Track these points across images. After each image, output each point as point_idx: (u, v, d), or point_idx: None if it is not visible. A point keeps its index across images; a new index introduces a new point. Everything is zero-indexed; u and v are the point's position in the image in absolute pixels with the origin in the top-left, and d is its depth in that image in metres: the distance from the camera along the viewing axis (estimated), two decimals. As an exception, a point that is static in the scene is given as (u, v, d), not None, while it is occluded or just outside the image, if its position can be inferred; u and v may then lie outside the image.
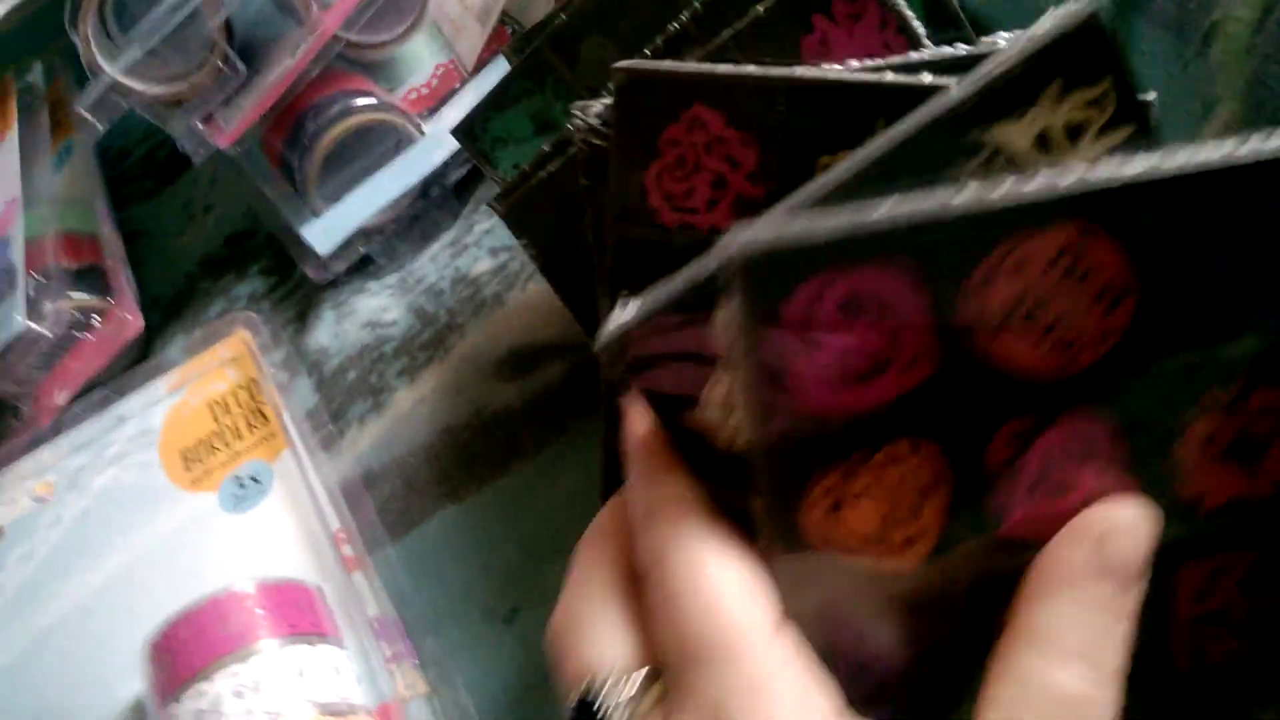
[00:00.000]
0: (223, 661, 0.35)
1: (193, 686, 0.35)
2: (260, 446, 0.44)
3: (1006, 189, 0.25)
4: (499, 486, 0.44)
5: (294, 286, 0.52)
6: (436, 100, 0.51)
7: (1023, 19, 0.35)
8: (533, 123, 0.43)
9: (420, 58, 0.52)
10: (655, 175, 0.35)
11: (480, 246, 0.49)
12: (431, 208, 0.50)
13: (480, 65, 0.51)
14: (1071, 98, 0.28)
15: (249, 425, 0.45)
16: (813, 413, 0.26)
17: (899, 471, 0.27)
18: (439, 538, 0.44)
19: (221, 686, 0.35)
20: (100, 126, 0.49)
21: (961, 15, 0.38)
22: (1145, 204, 0.26)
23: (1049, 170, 0.26)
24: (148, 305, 0.55)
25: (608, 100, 0.35)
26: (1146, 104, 0.28)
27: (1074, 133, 0.28)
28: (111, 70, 0.48)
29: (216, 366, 0.47)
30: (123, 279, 0.53)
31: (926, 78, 0.31)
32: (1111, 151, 0.28)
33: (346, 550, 0.43)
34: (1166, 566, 0.27)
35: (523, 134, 0.43)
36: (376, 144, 0.49)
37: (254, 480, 0.43)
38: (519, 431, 0.45)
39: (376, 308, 0.50)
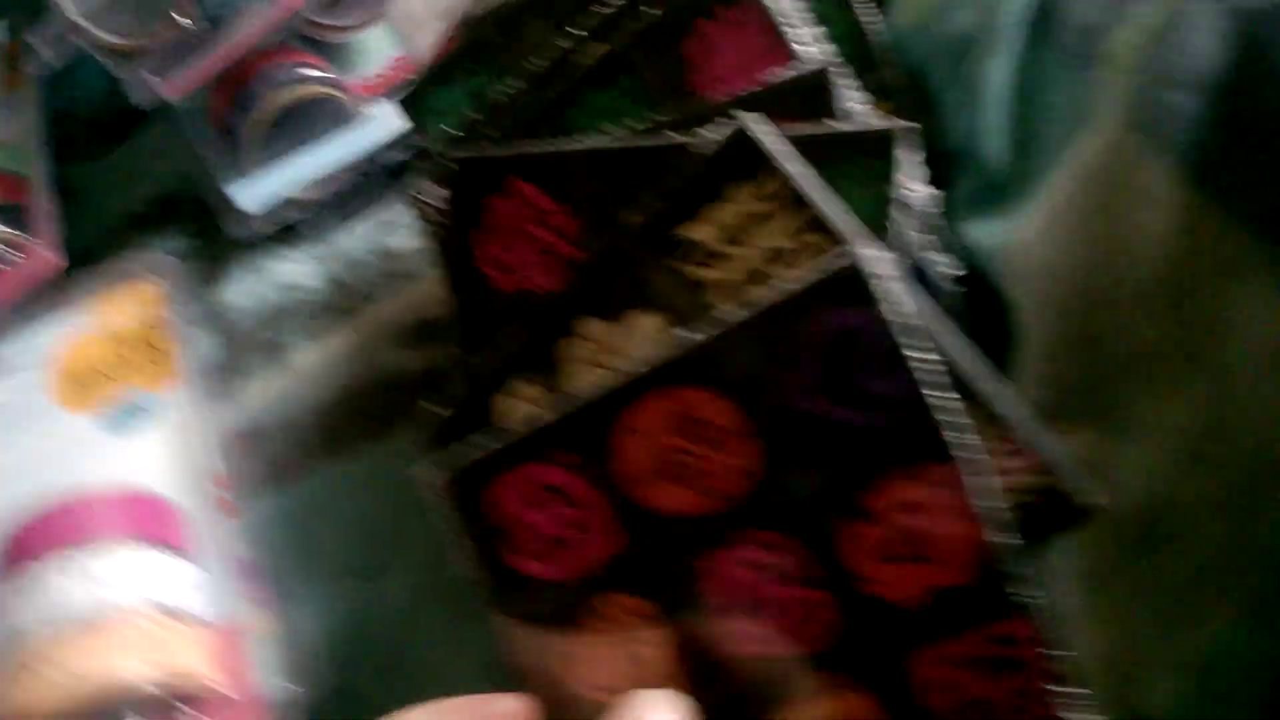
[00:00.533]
0: (67, 551, 0.35)
1: (32, 569, 0.34)
2: (151, 379, 0.44)
3: (605, 379, 0.30)
4: (381, 448, 0.44)
5: (214, 246, 0.53)
6: (387, 89, 0.53)
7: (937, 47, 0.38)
8: (471, 100, 0.44)
9: (378, 48, 0.54)
10: (486, 248, 0.38)
11: (408, 229, 0.50)
12: (365, 187, 0.51)
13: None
14: (743, 192, 0.32)
15: (143, 358, 0.45)
16: (536, 581, 0.31)
17: (615, 625, 0.31)
18: (317, 493, 0.44)
19: (56, 571, 0.34)
20: (50, 62, 0.50)
21: (877, 55, 0.41)
22: (719, 359, 0.29)
23: (633, 358, 0.30)
24: (70, 258, 0.55)
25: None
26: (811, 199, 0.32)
27: (761, 219, 0.32)
28: (72, 11, 0.49)
29: (119, 300, 0.46)
30: (46, 221, 0.53)
31: (673, 136, 0.35)
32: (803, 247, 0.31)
33: (223, 494, 0.42)
34: (894, 662, 0.30)
35: (460, 109, 0.45)
36: (319, 117, 0.51)
37: (139, 409, 0.43)
38: (412, 396, 0.45)
39: (293, 272, 0.50)
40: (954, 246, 0.38)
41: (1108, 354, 0.34)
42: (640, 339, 0.33)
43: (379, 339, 0.47)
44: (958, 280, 0.38)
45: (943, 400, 0.29)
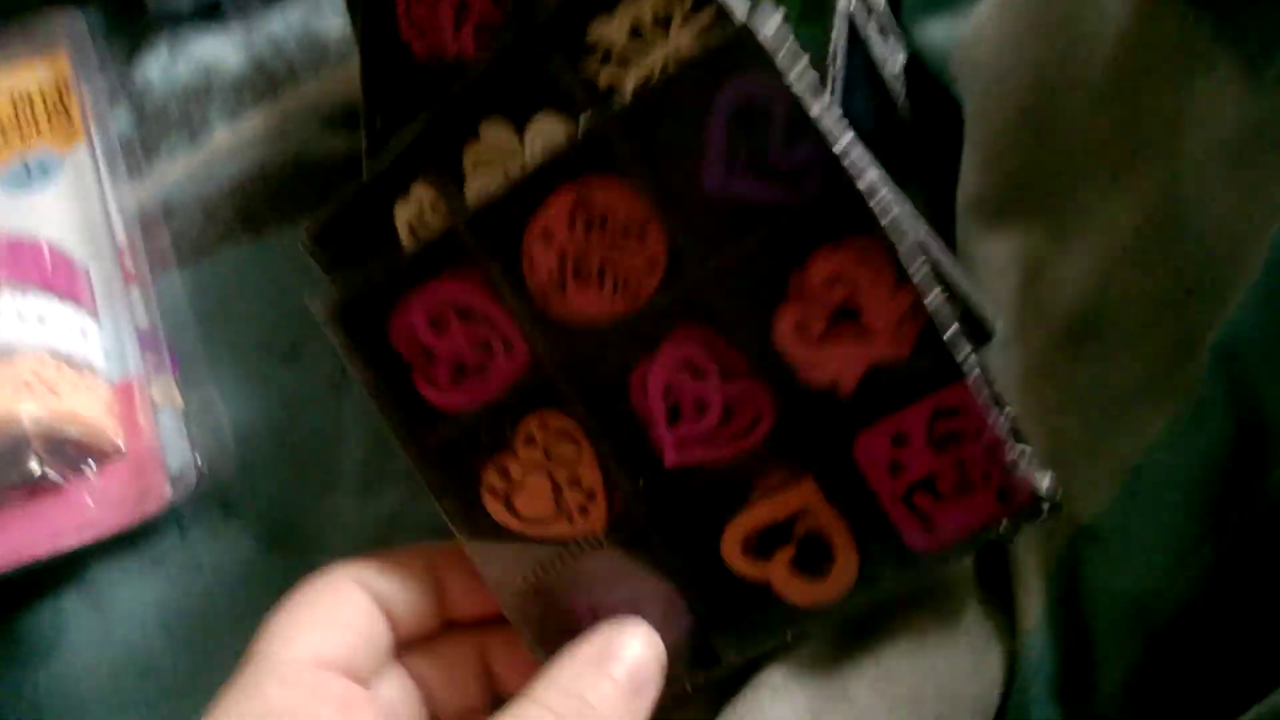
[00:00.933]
0: (-37, 292, 0.33)
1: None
2: (57, 139, 0.42)
3: (498, 183, 0.29)
4: (299, 230, 0.43)
5: (133, 22, 0.50)
6: None
7: None
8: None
9: None
10: (404, 6, 0.35)
11: (337, 12, 0.48)
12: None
13: None
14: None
15: (49, 119, 0.43)
16: (449, 414, 0.30)
17: (540, 449, 0.30)
18: (230, 270, 0.43)
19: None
20: None
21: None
22: (619, 142, 0.28)
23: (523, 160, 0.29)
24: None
25: None
26: None
27: (663, 22, 0.30)
28: None
29: (26, 57, 0.44)
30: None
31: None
32: (702, 33, 0.29)
33: (128, 263, 0.41)
34: (839, 448, 0.29)
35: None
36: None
37: (41, 168, 0.41)
38: (336, 181, 0.43)
39: (213, 50, 0.48)
40: (904, 43, 0.38)
41: (1056, 146, 0.33)
42: (546, 143, 0.32)
43: (301, 121, 0.45)
44: (906, 75, 0.37)
45: (860, 167, 0.27)
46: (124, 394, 0.36)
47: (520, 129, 0.32)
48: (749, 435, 0.29)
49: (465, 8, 0.35)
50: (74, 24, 0.45)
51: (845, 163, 0.27)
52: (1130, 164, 0.33)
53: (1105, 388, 0.32)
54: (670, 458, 0.29)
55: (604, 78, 0.31)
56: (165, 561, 0.38)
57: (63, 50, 0.45)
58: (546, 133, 0.32)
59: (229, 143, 0.45)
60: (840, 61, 0.32)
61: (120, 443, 0.34)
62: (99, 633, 0.37)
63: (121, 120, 0.46)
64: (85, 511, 0.33)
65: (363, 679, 0.29)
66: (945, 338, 0.28)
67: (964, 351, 0.28)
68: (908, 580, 0.29)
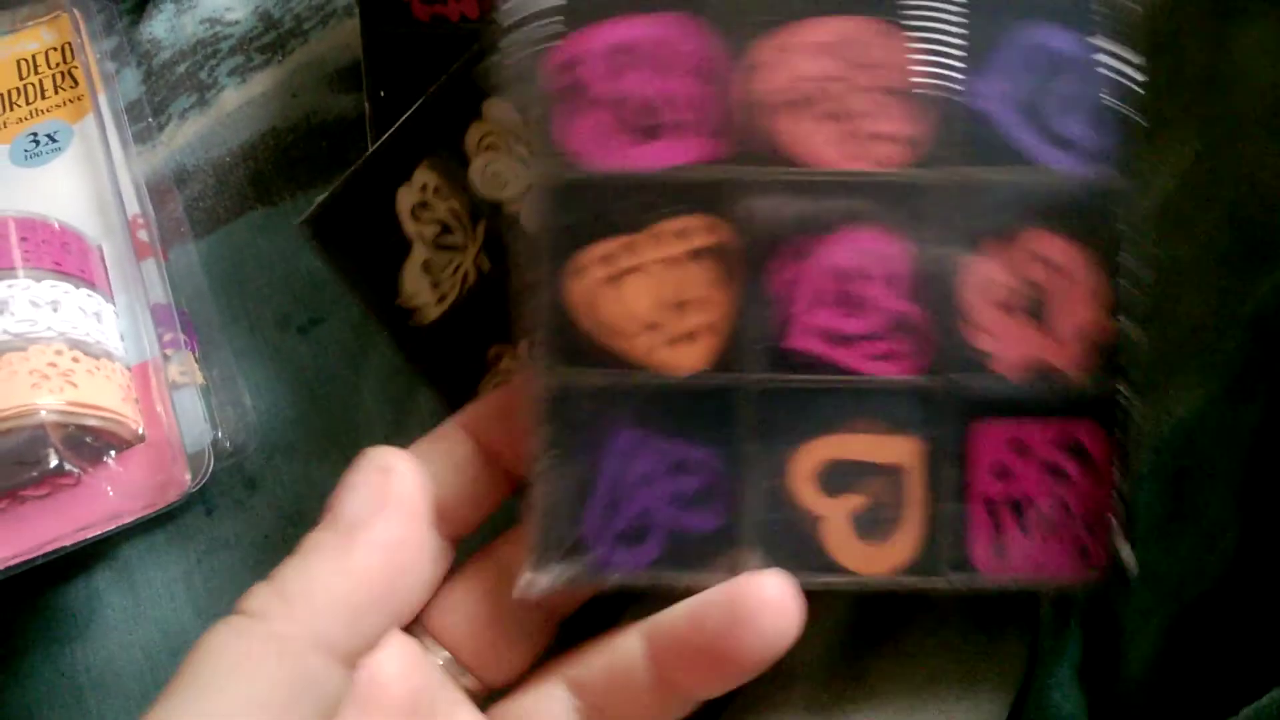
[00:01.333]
0: (-29, 279, 0.33)
1: (-69, 296, 0.32)
2: (64, 108, 0.41)
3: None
4: (316, 194, 0.41)
5: (138, -24, 0.49)
6: None
7: None
8: None
9: None
10: None
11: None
12: (297, -86, 0.47)
13: None
14: None
15: (55, 86, 0.42)
16: (591, 169, 0.26)
17: (683, 251, 0.26)
18: (244, 239, 0.42)
19: (-35, 302, 0.32)
20: None
21: None
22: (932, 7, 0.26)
23: None
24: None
25: None
26: None
27: None
28: None
29: (31, 25, 0.43)
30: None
31: None
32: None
33: (141, 236, 0.40)
34: (963, 422, 0.27)
35: None
36: None
37: (50, 138, 0.40)
38: (347, 144, 0.42)
39: (220, 5, 0.46)
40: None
41: None
42: None
43: (310, 81, 0.43)
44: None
45: (1121, 185, 0.26)
46: (142, 377, 0.35)
47: (526, 107, 0.30)
48: (887, 363, 0.27)
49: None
50: (75, -16, 0.44)
51: (1124, 162, 0.26)
52: (1167, 124, 0.31)
53: (1144, 360, 0.31)
54: (795, 340, 0.27)
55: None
56: (193, 538, 0.38)
57: (66, 12, 0.44)
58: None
59: (238, 104, 0.44)
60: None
61: (140, 429, 0.34)
62: (131, 610, 0.37)
63: (129, 81, 0.45)
64: (106, 501, 0.33)
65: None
66: (1117, 381, 0.27)
67: (1126, 401, 0.27)
68: (952, 587, 0.27)
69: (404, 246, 0.31)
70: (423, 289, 0.31)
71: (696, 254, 0.26)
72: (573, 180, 0.26)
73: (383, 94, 0.35)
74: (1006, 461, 0.27)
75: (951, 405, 0.27)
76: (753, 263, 0.26)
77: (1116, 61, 0.27)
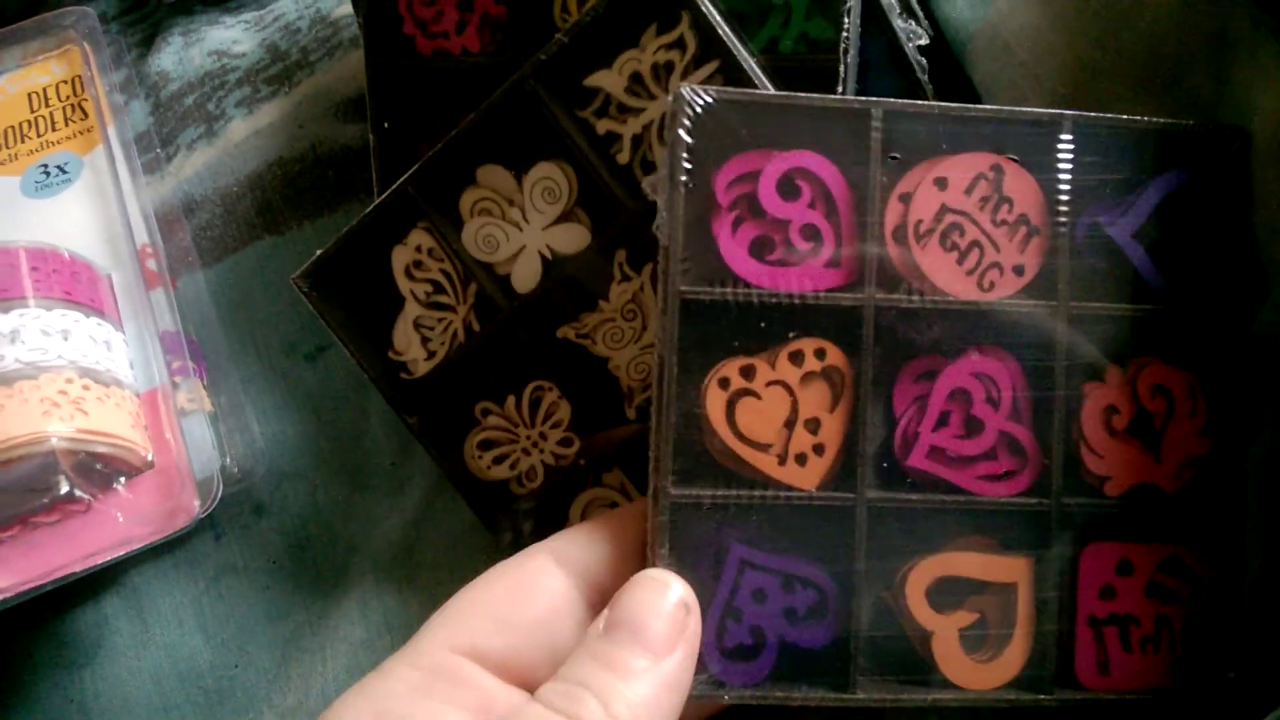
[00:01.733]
0: (-15, 310, 0.33)
1: (-57, 325, 0.33)
2: (74, 140, 0.42)
3: (935, 106, 0.28)
4: (323, 224, 0.42)
5: (147, 11, 0.49)
6: None
7: None
8: None
9: None
10: (406, 1, 0.35)
11: (347, -6, 0.47)
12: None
13: None
14: (654, 41, 0.30)
15: (66, 118, 0.42)
16: (739, 280, 0.27)
17: (800, 374, 0.28)
18: (252, 268, 0.42)
19: (-22, 331, 0.33)
20: None
21: None
22: (1056, 142, 0.28)
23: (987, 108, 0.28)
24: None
25: None
26: (728, 41, 0.30)
27: (662, 72, 0.30)
28: None
29: (41, 59, 0.44)
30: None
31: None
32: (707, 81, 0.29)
33: (150, 265, 0.41)
34: (1073, 544, 0.28)
35: None
36: None
37: (61, 169, 0.41)
38: (353, 174, 0.43)
39: (227, 38, 0.47)
40: (926, 19, 0.36)
41: None
42: (544, 191, 0.31)
43: (316, 111, 0.44)
44: (924, 51, 0.36)
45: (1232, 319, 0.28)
46: (151, 404, 0.36)
47: (519, 175, 0.31)
48: (999, 483, 0.28)
49: (468, 4, 0.34)
50: (86, 19, 0.45)
51: (1228, 311, 0.28)
52: None
53: None
54: (915, 459, 0.28)
55: (602, 126, 0.30)
56: (201, 564, 0.38)
57: (75, 46, 0.44)
58: (546, 181, 0.31)
59: (246, 135, 0.45)
60: (853, 54, 0.31)
61: (149, 456, 0.34)
62: (139, 636, 0.38)
63: (137, 113, 0.46)
64: (116, 527, 0.33)
65: (534, 678, 0.26)
66: (1216, 502, 0.28)
67: (1226, 521, 0.28)
68: (1057, 704, 0.28)
69: (397, 303, 0.33)
70: (413, 344, 0.32)
71: (812, 376, 0.28)
72: (719, 297, 0.27)
73: (387, 125, 0.36)
74: (1112, 582, 0.28)
75: (1063, 527, 0.28)
76: (877, 384, 0.28)
77: (1234, 203, 0.29)
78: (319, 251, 0.32)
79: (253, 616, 0.38)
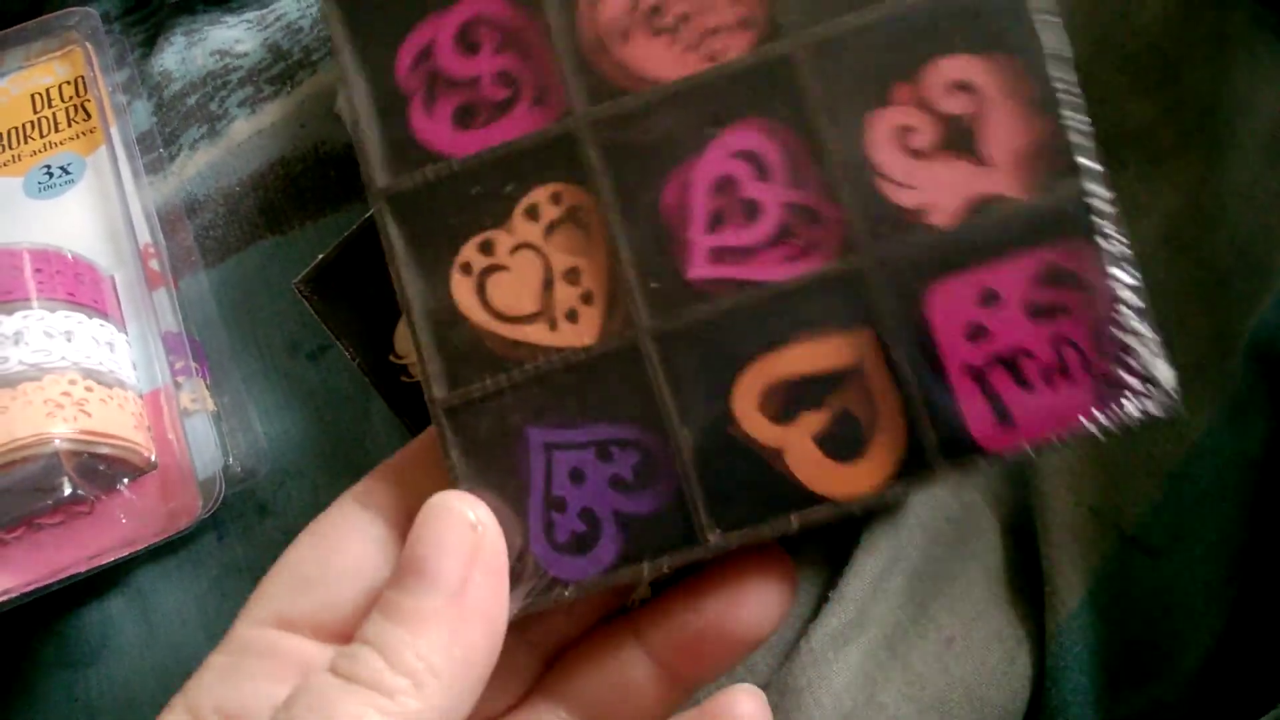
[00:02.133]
0: (-12, 311, 0.33)
1: (-54, 327, 0.33)
2: (78, 140, 0.42)
3: None
4: (326, 224, 0.42)
5: (149, 12, 0.49)
6: None
7: None
8: None
9: None
10: None
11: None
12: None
13: None
14: None
15: (69, 119, 0.43)
16: (442, 155, 0.25)
17: (542, 226, 0.25)
18: (254, 268, 0.43)
19: (-19, 333, 0.33)
20: None
21: None
22: None
23: None
24: (-6, 20, 0.51)
25: None
26: None
27: None
28: None
29: (44, 60, 0.44)
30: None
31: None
32: None
33: (153, 265, 0.41)
34: (910, 294, 0.24)
35: None
36: None
37: (64, 170, 0.41)
38: (355, 173, 0.43)
39: (229, 38, 0.47)
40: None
41: (1094, 131, 0.32)
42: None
43: (318, 111, 0.44)
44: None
45: None
46: (154, 404, 0.36)
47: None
48: (802, 260, 0.24)
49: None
50: (88, 20, 0.45)
51: None
52: (1171, 149, 0.32)
53: None
54: (697, 267, 0.24)
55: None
56: (205, 564, 0.39)
57: (78, 46, 0.44)
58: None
59: (248, 134, 0.45)
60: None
61: (152, 457, 0.35)
62: (144, 635, 0.38)
63: (140, 113, 0.46)
64: (119, 528, 0.33)
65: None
66: (1085, 183, 0.23)
67: (1102, 201, 0.23)
68: (959, 479, 0.24)
69: (396, 306, 0.32)
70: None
71: (556, 225, 0.25)
72: (432, 180, 0.25)
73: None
74: (979, 319, 0.23)
75: (889, 280, 0.23)
76: (634, 206, 0.24)
77: None
78: (319, 256, 0.32)
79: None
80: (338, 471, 0.40)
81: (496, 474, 0.24)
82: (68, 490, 0.32)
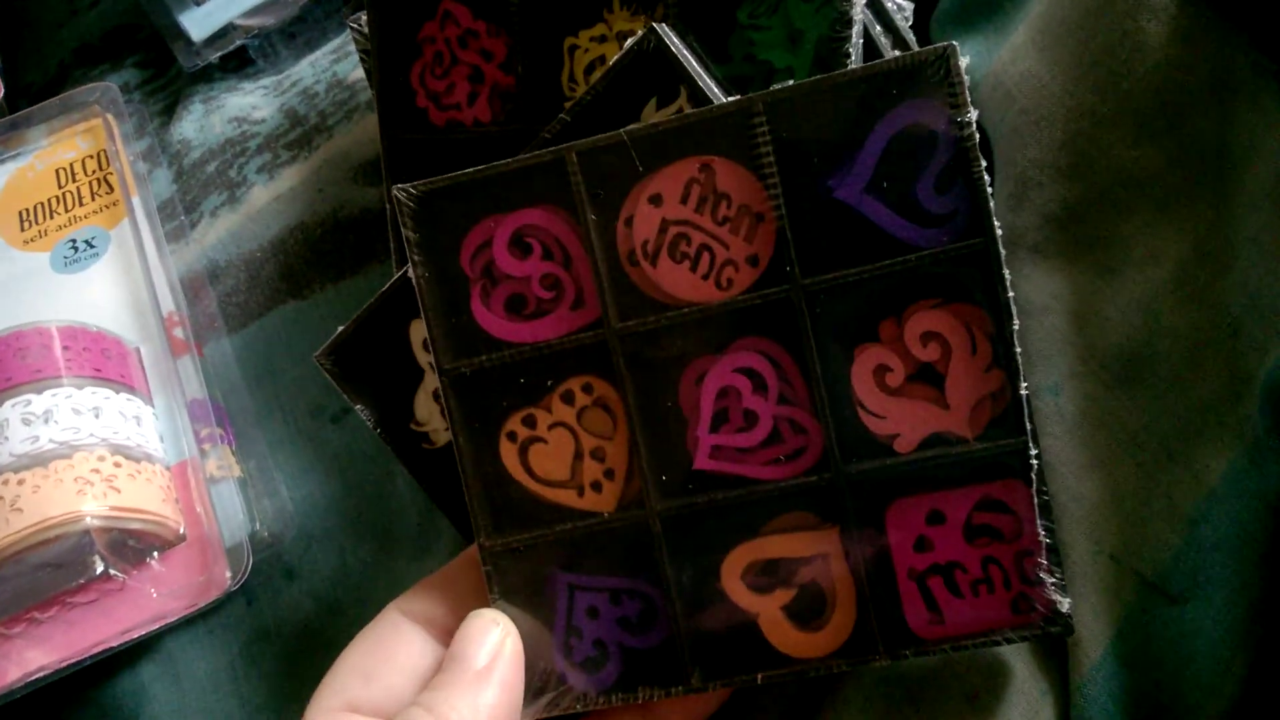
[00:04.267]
0: (16, 389, 0.34)
1: (-21, 408, 0.33)
2: (101, 214, 0.43)
3: (623, 134, 0.28)
4: (345, 287, 0.43)
5: (168, 81, 0.50)
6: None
7: None
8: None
9: None
10: (418, 74, 0.36)
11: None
12: (319, 14, 0.49)
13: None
14: (654, 115, 0.31)
15: (92, 193, 0.43)
16: (495, 344, 0.29)
17: (575, 411, 0.29)
18: (276, 332, 0.43)
19: (10, 412, 0.33)
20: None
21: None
22: (750, 122, 0.28)
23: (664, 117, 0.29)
24: (17, 92, 0.53)
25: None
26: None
27: None
28: None
29: (68, 135, 0.45)
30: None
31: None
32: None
33: (177, 333, 0.42)
34: (873, 507, 0.29)
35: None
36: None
37: (89, 244, 0.42)
38: (373, 236, 0.44)
39: (247, 105, 0.48)
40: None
41: (1099, 179, 0.32)
42: None
43: (336, 175, 0.45)
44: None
45: (997, 235, 0.27)
46: (181, 476, 0.37)
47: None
48: (787, 464, 0.29)
49: (479, 76, 0.35)
50: (109, 93, 0.46)
51: (991, 225, 0.27)
52: (1178, 196, 0.32)
53: (1158, 431, 0.31)
54: (701, 460, 0.29)
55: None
56: (235, 629, 0.39)
57: (99, 120, 0.45)
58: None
59: (267, 200, 0.45)
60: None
61: (181, 529, 0.35)
62: (176, 702, 0.38)
63: (160, 181, 0.47)
64: (150, 603, 0.34)
65: None
66: (1018, 435, 0.28)
67: (1032, 452, 0.28)
68: (897, 659, 0.29)
69: (417, 375, 0.33)
70: (434, 415, 0.33)
71: (587, 409, 0.29)
72: (479, 365, 0.30)
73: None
74: (926, 533, 0.28)
75: (857, 494, 0.28)
76: (651, 402, 0.29)
77: (973, 130, 0.27)
78: (340, 329, 0.33)
79: (287, 680, 0.39)
80: (363, 534, 0.40)
81: (526, 607, 0.30)
82: (100, 569, 0.33)
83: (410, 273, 0.29)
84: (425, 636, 0.31)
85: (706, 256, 0.28)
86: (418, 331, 0.33)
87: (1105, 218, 0.32)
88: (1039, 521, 0.28)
